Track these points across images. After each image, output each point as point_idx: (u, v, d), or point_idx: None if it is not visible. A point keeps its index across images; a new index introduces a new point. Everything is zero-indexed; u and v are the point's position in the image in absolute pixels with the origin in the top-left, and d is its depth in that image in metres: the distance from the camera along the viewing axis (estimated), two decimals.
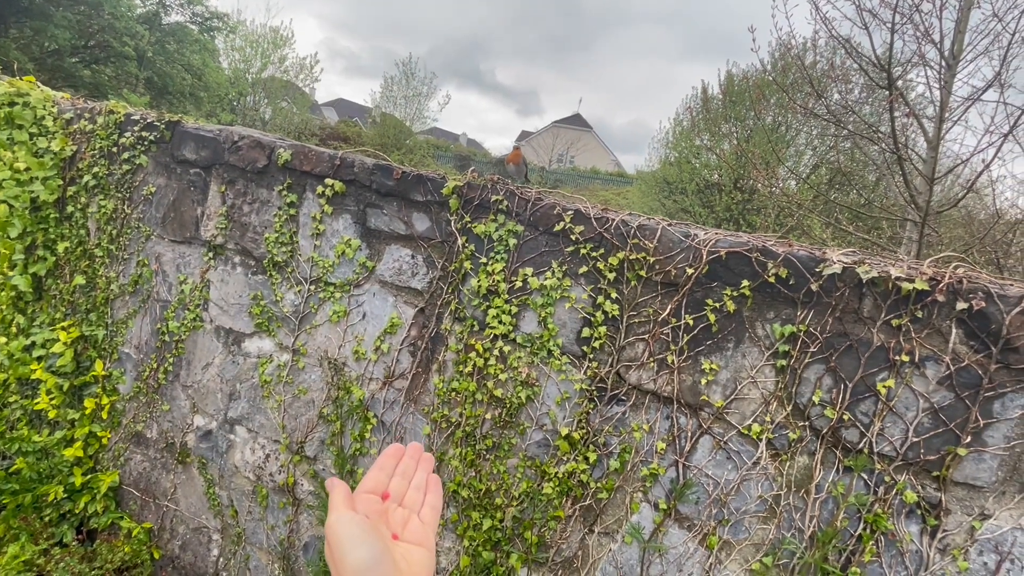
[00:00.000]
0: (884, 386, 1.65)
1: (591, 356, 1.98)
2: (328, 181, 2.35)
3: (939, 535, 1.65)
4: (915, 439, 1.65)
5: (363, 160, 2.32)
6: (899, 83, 6.35)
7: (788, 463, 1.78)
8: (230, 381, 2.69)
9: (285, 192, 2.46)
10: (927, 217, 6.08)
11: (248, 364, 2.64)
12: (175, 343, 2.79)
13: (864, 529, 1.71)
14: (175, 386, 2.82)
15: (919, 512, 1.66)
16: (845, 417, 1.70)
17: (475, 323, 2.14)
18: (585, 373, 1.99)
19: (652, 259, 1.86)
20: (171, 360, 2.80)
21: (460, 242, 2.12)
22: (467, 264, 2.12)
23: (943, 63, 6.12)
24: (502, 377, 2.08)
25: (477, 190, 2.10)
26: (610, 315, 1.92)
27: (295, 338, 2.51)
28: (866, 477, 1.71)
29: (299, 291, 2.49)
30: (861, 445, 1.70)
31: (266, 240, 2.51)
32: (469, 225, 2.12)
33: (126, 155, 2.81)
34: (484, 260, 2.10)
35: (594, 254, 1.94)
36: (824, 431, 1.73)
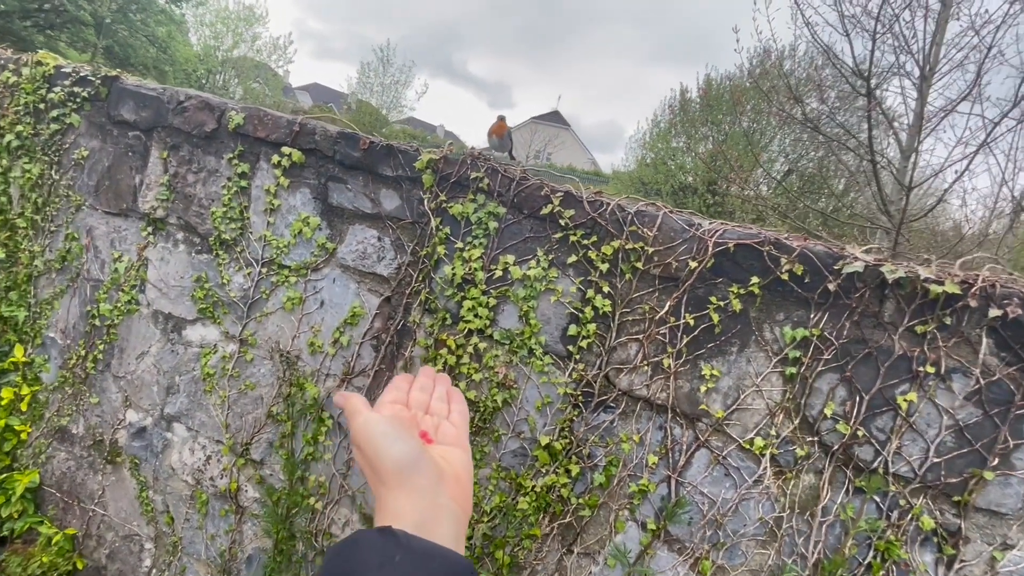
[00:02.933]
0: (905, 400, 1.47)
1: (577, 357, 1.76)
2: (285, 150, 2.07)
3: (956, 565, 1.48)
4: (936, 459, 1.48)
5: (325, 127, 2.05)
6: (877, 92, 6.36)
7: (793, 482, 1.60)
8: (168, 373, 2.39)
9: (236, 161, 2.17)
10: (901, 225, 6.07)
11: (189, 354, 2.35)
12: (107, 328, 2.47)
13: (874, 557, 1.54)
14: (106, 376, 2.50)
15: (935, 540, 1.50)
16: (859, 433, 1.52)
17: (448, 316, 1.90)
18: (570, 376, 1.77)
19: (651, 249, 1.65)
20: (102, 347, 2.48)
21: (434, 224, 1.88)
22: (441, 249, 1.88)
23: (920, 74, 6.16)
24: (476, 377, 1.85)
25: (454, 165, 1.86)
26: (601, 311, 1.71)
27: (243, 327, 2.22)
28: (879, 500, 1.53)
29: (249, 274, 2.20)
30: (875, 464, 1.52)
31: (213, 215, 2.22)
32: (444, 205, 1.88)
33: (55, 113, 2.47)
34: (460, 245, 1.86)
35: (585, 242, 1.72)
36: (835, 448, 1.55)
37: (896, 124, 6.76)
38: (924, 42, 5.94)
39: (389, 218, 1.98)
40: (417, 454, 0.49)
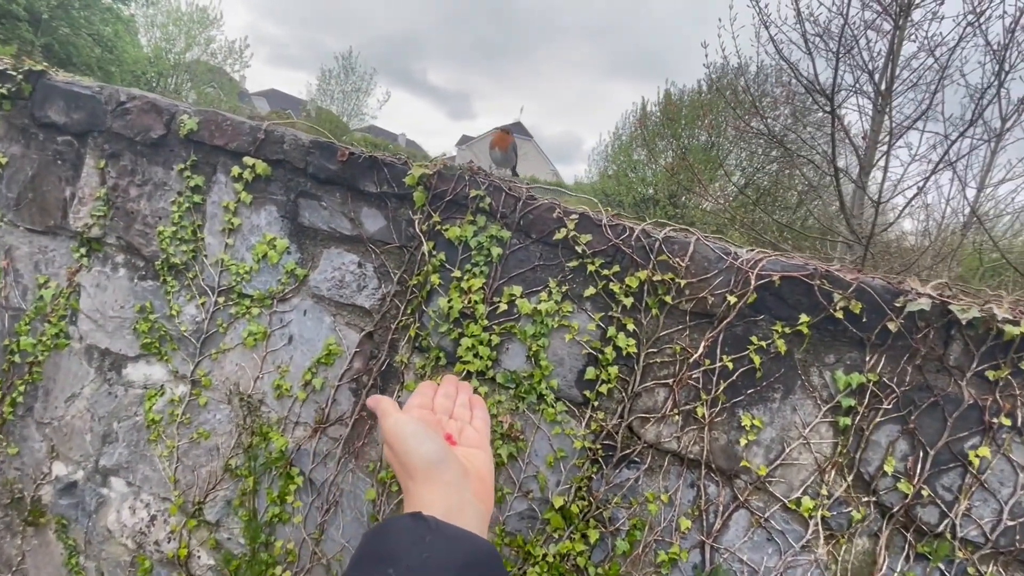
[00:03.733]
0: (976, 455, 1.29)
1: (596, 404, 1.53)
2: (248, 160, 1.77)
3: None
4: (1010, 522, 1.30)
5: (296, 135, 1.76)
6: (840, 111, 6.48)
7: (845, 547, 1.40)
8: (104, 419, 2.03)
9: (188, 172, 1.85)
10: (871, 239, 6.14)
11: (130, 397, 2.00)
12: (29, 366, 2.09)
13: None
14: (27, 423, 2.12)
15: None
16: (923, 492, 1.34)
17: (442, 355, 1.63)
18: (588, 426, 1.53)
19: (682, 282, 1.44)
20: (22, 388, 2.10)
21: (426, 249, 1.62)
22: (435, 278, 1.62)
23: (877, 93, 6.33)
24: None
25: (450, 182, 1.61)
26: (624, 352, 1.48)
27: (195, 365, 1.90)
28: (943, 567, 1.35)
29: (203, 304, 1.88)
30: (941, 528, 1.34)
31: (160, 235, 1.89)
32: (439, 227, 1.62)
33: None
34: (458, 274, 1.61)
35: (606, 272, 1.49)
36: (895, 509, 1.36)
37: (856, 141, 6.89)
38: (880, 63, 6.09)
39: (372, 241, 1.70)
40: (444, 452, 0.52)
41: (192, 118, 1.83)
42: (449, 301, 1.60)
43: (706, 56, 7.19)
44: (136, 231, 1.93)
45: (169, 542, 1.98)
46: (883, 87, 6.42)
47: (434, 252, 1.63)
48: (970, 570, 1.33)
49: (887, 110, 6.24)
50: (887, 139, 6.16)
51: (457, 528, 0.46)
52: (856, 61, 6.16)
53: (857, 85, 6.38)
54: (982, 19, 4.87)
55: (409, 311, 1.67)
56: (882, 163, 6.21)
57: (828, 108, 6.40)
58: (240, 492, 1.88)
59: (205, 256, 1.88)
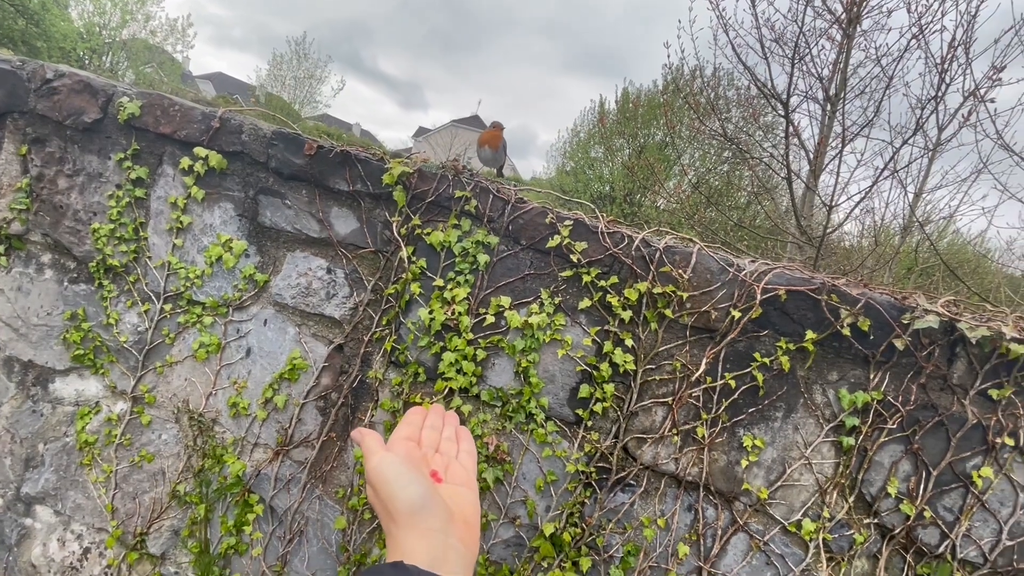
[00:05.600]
0: (979, 476, 1.27)
1: (590, 424, 1.43)
2: (199, 151, 1.57)
3: None
4: (1009, 542, 1.29)
5: (257, 125, 1.58)
6: (794, 116, 6.69)
7: (844, 569, 1.35)
8: (28, 440, 1.79)
9: (129, 163, 1.64)
10: (823, 240, 6.34)
11: (59, 415, 1.77)
12: None
13: None
14: None
15: None
16: (925, 513, 1.30)
17: (421, 371, 1.50)
18: (581, 447, 1.43)
19: (684, 294, 1.35)
20: None
21: (405, 254, 1.47)
22: (414, 287, 1.47)
23: (827, 99, 6.58)
24: None
25: (432, 181, 1.47)
26: (621, 368, 1.38)
27: (137, 380, 1.69)
28: None
29: (146, 311, 1.67)
30: (941, 549, 1.31)
31: (95, 233, 1.67)
32: (419, 231, 1.48)
33: None
34: (440, 282, 1.47)
35: (602, 283, 1.39)
36: (896, 530, 1.32)
37: (807, 145, 7.11)
38: (830, 70, 6.32)
39: (343, 245, 1.54)
40: (429, 496, 0.51)
41: (133, 101, 1.61)
42: (430, 312, 1.46)
43: (668, 57, 7.26)
44: (66, 228, 1.70)
45: None
46: (833, 93, 6.65)
47: (414, 258, 1.48)
48: None
49: (837, 115, 6.47)
50: (838, 144, 6.38)
51: None
52: (808, 68, 6.37)
53: (810, 91, 6.59)
54: (925, 31, 5.07)
55: (385, 322, 1.52)
56: (832, 167, 6.44)
57: (782, 112, 6.58)
58: (190, 521, 1.69)
59: (149, 258, 1.67)
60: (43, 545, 1.80)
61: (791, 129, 6.54)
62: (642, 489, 1.41)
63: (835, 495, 1.34)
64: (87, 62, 19.99)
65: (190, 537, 1.69)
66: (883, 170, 6.06)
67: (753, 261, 1.36)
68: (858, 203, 6.63)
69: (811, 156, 6.99)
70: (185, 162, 1.59)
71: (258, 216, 1.59)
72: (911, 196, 6.98)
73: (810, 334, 1.31)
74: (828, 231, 6.77)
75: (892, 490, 1.30)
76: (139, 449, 1.72)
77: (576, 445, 1.43)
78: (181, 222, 1.62)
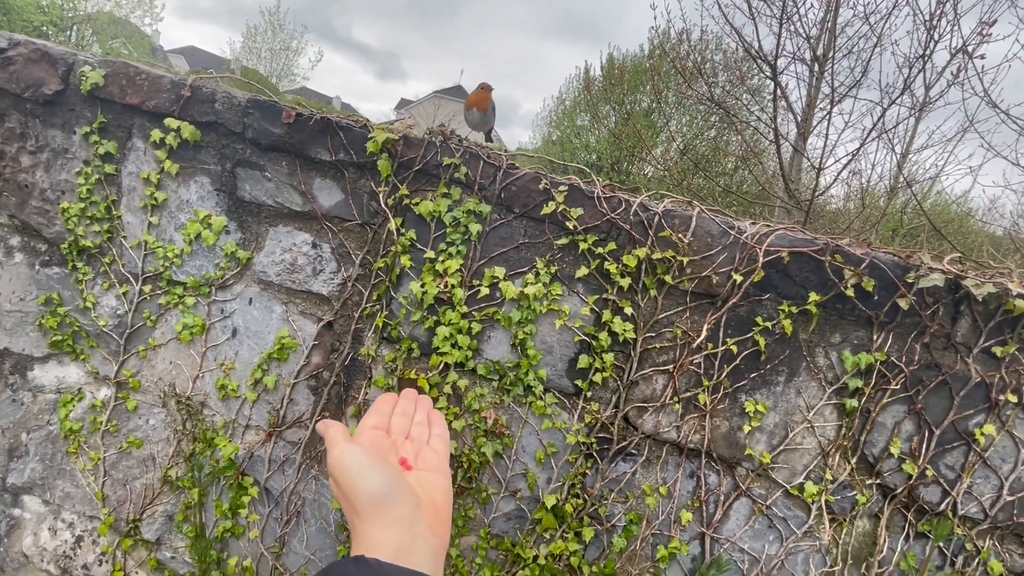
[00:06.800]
0: (982, 433, 1.26)
1: (589, 394, 1.40)
2: (171, 123, 1.48)
3: None
4: (1009, 497, 1.29)
5: (230, 93, 1.49)
6: (782, 78, 6.60)
7: (846, 529, 1.36)
8: (10, 430, 1.73)
9: (96, 137, 1.54)
10: (812, 202, 6.33)
11: (40, 404, 1.71)
12: None
13: None
14: None
15: None
16: (927, 472, 1.30)
17: (415, 346, 1.45)
18: (581, 419, 1.40)
19: (684, 259, 1.31)
20: None
21: (393, 226, 1.41)
22: (404, 259, 1.42)
23: (815, 59, 6.50)
24: (457, 425, 1.43)
25: (419, 148, 1.40)
26: (621, 337, 1.35)
27: (120, 364, 1.63)
28: (941, 545, 1.33)
29: (125, 293, 1.60)
30: (942, 506, 1.31)
31: (65, 213, 1.58)
32: (407, 201, 1.41)
33: None
34: (431, 254, 1.41)
35: (600, 250, 1.34)
36: (898, 490, 1.32)
37: (795, 107, 7.05)
38: (818, 29, 6.23)
39: (328, 218, 1.48)
40: (393, 485, 0.48)
41: (96, 70, 1.51)
42: (422, 285, 1.41)
43: (655, 19, 7.08)
44: (33, 208, 1.61)
45: (100, 565, 1.73)
46: (820, 53, 6.55)
47: (402, 230, 1.42)
48: (968, 546, 1.32)
49: (825, 76, 6.39)
50: (826, 106, 6.32)
51: (405, 571, 0.43)
52: (796, 28, 6.26)
53: (797, 52, 6.49)
54: None
55: (375, 297, 1.47)
56: (819, 130, 6.38)
57: (770, 74, 6.48)
58: (184, 506, 1.66)
59: (124, 237, 1.59)
60: (34, 535, 1.77)
61: (779, 91, 6.47)
62: (643, 458, 1.39)
63: (837, 457, 1.33)
64: (50, 36, 19.19)
65: (185, 522, 1.66)
66: (871, 130, 6.02)
67: (754, 223, 1.32)
68: (846, 165, 6.61)
69: (799, 119, 6.93)
70: (156, 134, 1.50)
71: (237, 190, 1.52)
72: (898, 156, 6.96)
73: (813, 296, 1.27)
74: (817, 194, 6.75)
75: (895, 450, 1.29)
76: (126, 435, 1.67)
77: (576, 416, 1.40)
78: (155, 199, 1.54)
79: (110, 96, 1.52)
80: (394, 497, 0.48)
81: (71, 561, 1.76)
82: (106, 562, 1.73)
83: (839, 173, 6.89)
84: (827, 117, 6.34)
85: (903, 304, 1.23)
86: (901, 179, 7.12)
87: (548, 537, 1.43)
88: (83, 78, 1.51)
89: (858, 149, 6.12)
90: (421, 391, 1.45)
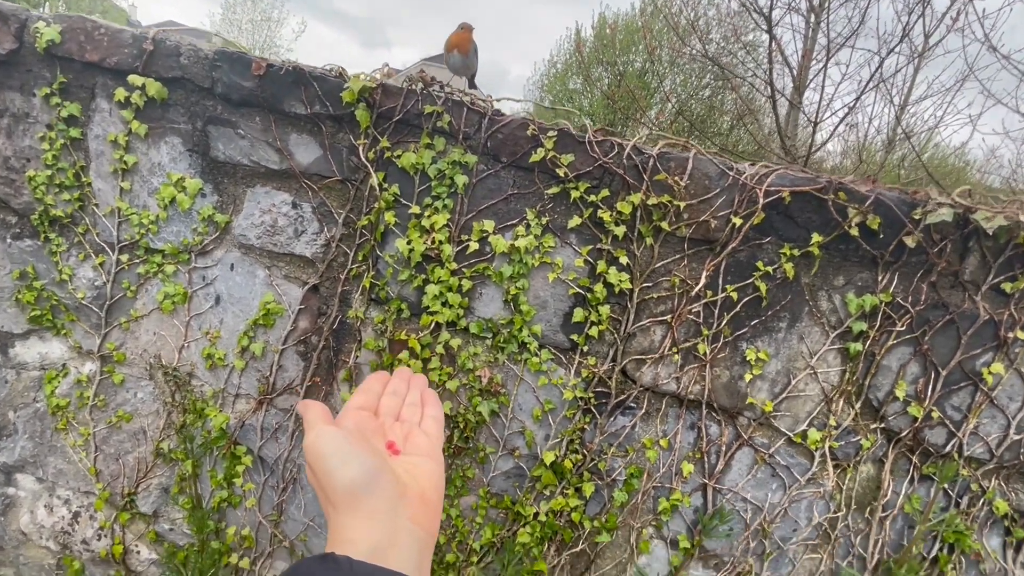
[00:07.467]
0: (990, 372, 1.23)
1: (585, 348, 1.36)
2: (134, 79, 1.40)
3: None
4: (1016, 436, 1.27)
5: (195, 45, 1.40)
6: (776, 30, 6.42)
7: (850, 475, 1.34)
8: None
9: (57, 99, 1.46)
10: (808, 157, 6.23)
11: (25, 381, 1.66)
12: None
13: (941, 550, 1.33)
14: None
15: (1005, 523, 1.31)
16: (933, 414, 1.27)
17: (404, 307, 1.40)
18: (577, 374, 1.37)
19: (681, 204, 1.25)
20: None
21: (375, 181, 1.34)
22: (388, 216, 1.36)
23: (811, 10, 6.32)
24: (451, 385, 1.40)
25: (399, 97, 1.32)
26: (616, 289, 1.30)
27: (103, 338, 1.58)
28: (946, 487, 1.31)
29: (101, 263, 1.54)
30: (948, 448, 1.29)
31: (32, 182, 1.51)
32: (389, 154, 1.35)
33: None
34: (416, 209, 1.35)
35: (592, 198, 1.28)
36: (903, 433, 1.29)
37: (791, 61, 6.88)
38: None
39: (307, 175, 1.41)
40: (373, 473, 0.43)
41: (51, 26, 1.41)
42: (408, 243, 1.35)
43: None
44: None
45: (99, 539, 1.72)
46: (817, 3, 6.36)
47: (385, 185, 1.36)
48: (973, 486, 1.30)
49: (821, 27, 6.23)
50: (822, 57, 6.17)
51: (381, 570, 0.38)
52: None
53: (793, 2, 6.30)
54: None
55: (360, 258, 1.41)
56: (815, 84, 6.24)
57: (765, 27, 6.30)
58: (178, 478, 1.63)
59: (96, 205, 1.52)
60: (30, 512, 1.75)
61: (774, 45, 6.29)
62: (643, 411, 1.36)
63: (841, 403, 1.30)
64: None
65: (181, 494, 1.64)
66: (869, 81, 5.88)
67: (752, 164, 1.26)
68: (843, 118, 6.48)
69: (795, 73, 6.77)
70: (120, 93, 1.42)
71: (210, 150, 1.44)
72: (896, 108, 6.83)
73: (816, 237, 1.22)
74: (813, 149, 6.64)
75: (900, 393, 1.26)
76: (115, 409, 1.64)
77: (573, 371, 1.36)
78: (125, 162, 1.47)
79: (69, 54, 1.43)
80: (374, 486, 0.43)
81: (70, 537, 1.75)
82: (105, 536, 1.72)
83: (836, 127, 6.77)
84: (824, 69, 6.19)
85: (910, 242, 1.18)
86: (899, 131, 6.99)
87: (548, 494, 1.41)
88: (38, 35, 1.41)
89: (856, 99, 5.99)
90: (413, 352, 1.41)
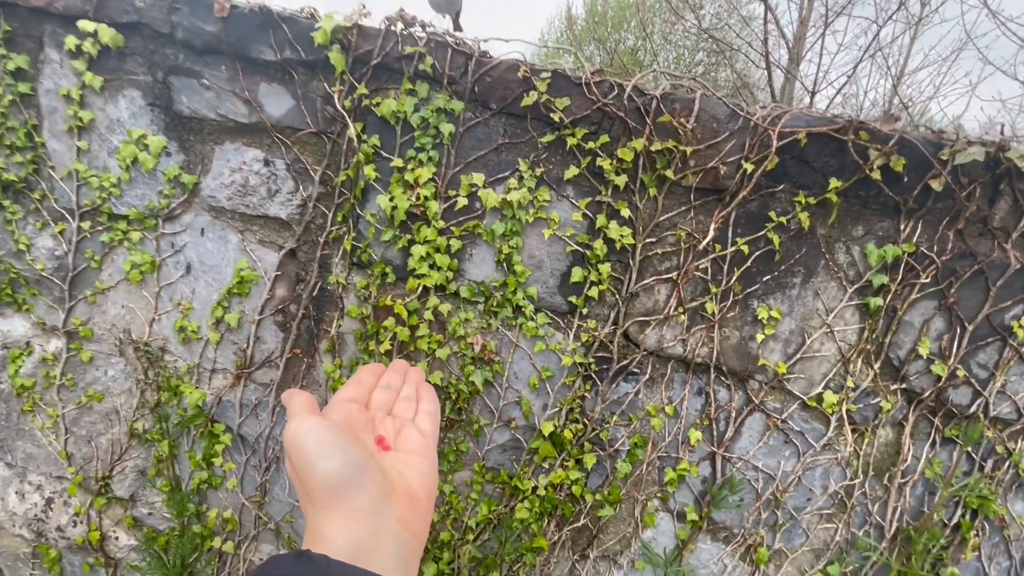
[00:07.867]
0: (1020, 326, 1.14)
1: (585, 311, 1.26)
2: (85, 25, 1.27)
3: None
4: None
5: None
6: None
7: (867, 440, 1.26)
8: None
9: (2, 51, 1.33)
10: None
11: None
12: None
13: (963, 516, 1.26)
14: None
15: None
16: (958, 373, 1.19)
17: (388, 270, 1.30)
18: (576, 338, 1.27)
19: (687, 149, 1.15)
20: None
21: (353, 132, 1.23)
22: (369, 170, 1.24)
23: None
24: (441, 354, 1.30)
25: (376, 39, 1.20)
26: (618, 245, 1.20)
27: (67, 312, 1.47)
28: (970, 449, 1.23)
29: (61, 232, 1.43)
30: (973, 409, 1.21)
31: None
32: (367, 102, 1.23)
33: None
34: (399, 163, 1.24)
35: (591, 145, 1.17)
36: (925, 394, 1.21)
37: (786, 33, 6.73)
38: None
39: (279, 129, 1.29)
40: (356, 468, 0.40)
41: None
42: (391, 199, 1.24)
43: None
44: None
45: (75, 526, 1.63)
46: None
47: (364, 136, 1.24)
48: (998, 448, 1.22)
49: None
50: (820, 26, 6.04)
51: (361, 572, 0.35)
52: None
53: None
54: None
55: (340, 218, 1.30)
56: (811, 56, 6.11)
57: None
58: (155, 459, 1.54)
59: (52, 168, 1.40)
60: (1, 500, 1.65)
61: (769, 15, 6.15)
62: (647, 377, 1.27)
63: (859, 363, 1.21)
64: None
65: (158, 476, 1.55)
66: (867, 49, 5.76)
67: (764, 107, 1.15)
68: (840, 89, 6.36)
69: (790, 43, 6.63)
70: (71, 41, 1.29)
71: (173, 103, 1.32)
72: (894, 78, 6.71)
73: (834, 182, 1.12)
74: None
75: (923, 351, 1.17)
76: (85, 389, 1.53)
77: (571, 336, 1.27)
78: (81, 119, 1.35)
79: None
80: (357, 481, 0.40)
81: (44, 524, 1.66)
82: (81, 522, 1.63)
83: (833, 97, 6.65)
84: (820, 38, 6.05)
85: (936, 185, 1.09)
86: (896, 101, 6.87)
87: (547, 467, 1.33)
88: None
89: (854, 68, 5.88)
90: (400, 319, 1.31)
